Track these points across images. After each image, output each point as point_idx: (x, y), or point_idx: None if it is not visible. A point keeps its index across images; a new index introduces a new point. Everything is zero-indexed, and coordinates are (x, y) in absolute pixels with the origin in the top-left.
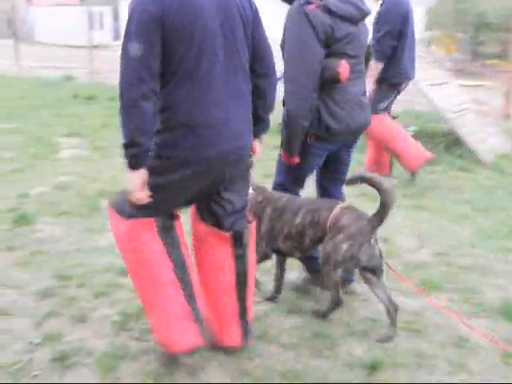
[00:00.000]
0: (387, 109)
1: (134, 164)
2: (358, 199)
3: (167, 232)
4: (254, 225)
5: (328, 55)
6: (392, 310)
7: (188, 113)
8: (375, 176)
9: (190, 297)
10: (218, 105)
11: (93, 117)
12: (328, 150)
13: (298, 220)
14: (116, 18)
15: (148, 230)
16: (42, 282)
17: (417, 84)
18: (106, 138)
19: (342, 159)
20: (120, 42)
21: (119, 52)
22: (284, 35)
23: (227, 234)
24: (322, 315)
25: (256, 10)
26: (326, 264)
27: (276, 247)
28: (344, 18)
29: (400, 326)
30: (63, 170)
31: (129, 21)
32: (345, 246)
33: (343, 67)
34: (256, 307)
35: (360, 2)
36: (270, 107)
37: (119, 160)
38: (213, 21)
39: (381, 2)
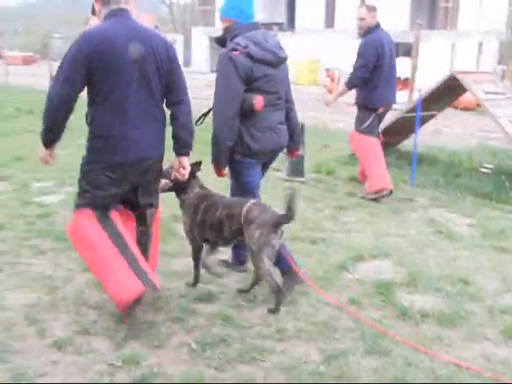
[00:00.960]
0: (370, 130)
1: (45, 145)
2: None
3: (103, 216)
4: (159, 213)
5: (249, 90)
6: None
7: (105, 127)
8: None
9: (131, 261)
10: (128, 123)
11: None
12: (255, 165)
13: (218, 213)
14: (187, 45)
15: (89, 216)
16: None
17: (496, 119)
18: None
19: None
20: (190, 68)
21: (190, 79)
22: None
23: (133, 214)
24: (275, 309)
25: (173, 54)
26: (252, 255)
27: (205, 237)
28: (263, 62)
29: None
30: None
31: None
32: (257, 233)
33: (257, 100)
34: (333, 345)
35: (278, 50)
36: (185, 129)
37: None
38: (129, 62)
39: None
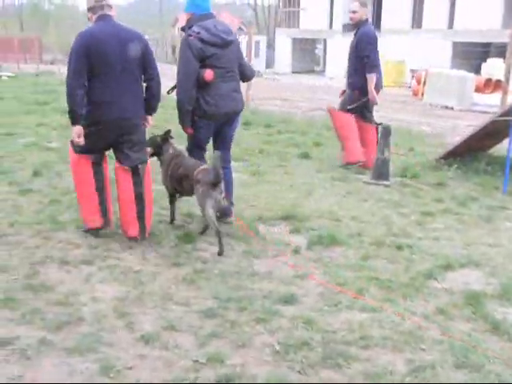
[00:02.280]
0: (356, 111)
1: (73, 122)
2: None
3: (97, 165)
4: (148, 166)
5: (202, 66)
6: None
7: (97, 96)
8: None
9: (101, 202)
10: (113, 93)
11: (250, 142)
12: (211, 125)
13: (179, 171)
14: (270, 46)
15: (85, 163)
16: (205, 302)
17: None
18: (263, 163)
19: (225, 134)
20: (273, 69)
21: (271, 80)
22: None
23: (128, 169)
24: (220, 251)
25: (145, 45)
26: (200, 206)
27: (174, 187)
28: (211, 44)
29: None
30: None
31: (72, 50)
32: (200, 190)
33: (207, 73)
34: (420, 356)
35: (225, 34)
36: (154, 97)
37: (277, 187)
38: (113, 52)
39: (355, 31)
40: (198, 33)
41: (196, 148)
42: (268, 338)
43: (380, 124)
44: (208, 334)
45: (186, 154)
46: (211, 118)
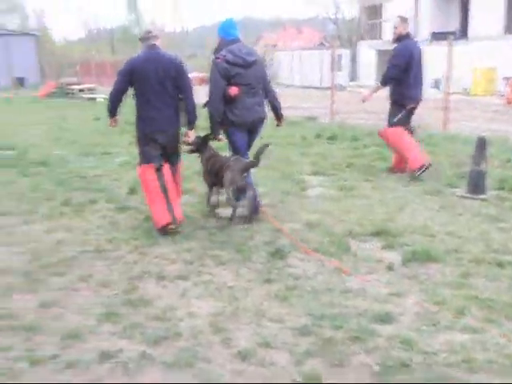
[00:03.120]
0: (401, 123)
1: (111, 116)
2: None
3: (158, 171)
4: (180, 165)
5: (229, 84)
6: (253, 210)
7: (142, 112)
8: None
9: (167, 201)
10: (152, 109)
11: (336, 156)
12: (238, 132)
13: (216, 166)
14: (354, 59)
15: (150, 171)
16: (299, 319)
17: None
18: (350, 177)
19: (249, 139)
20: (356, 82)
21: (355, 93)
22: None
23: (172, 167)
24: (230, 219)
25: (179, 68)
26: (225, 186)
27: (212, 181)
28: (235, 65)
29: None
30: (312, 207)
31: (118, 72)
32: (229, 175)
33: (232, 90)
34: None
35: (248, 55)
36: (190, 113)
37: (365, 202)
38: (152, 74)
39: (395, 45)
40: (225, 56)
41: (236, 153)
42: (365, 357)
43: (414, 128)
44: (303, 352)
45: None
46: (238, 127)
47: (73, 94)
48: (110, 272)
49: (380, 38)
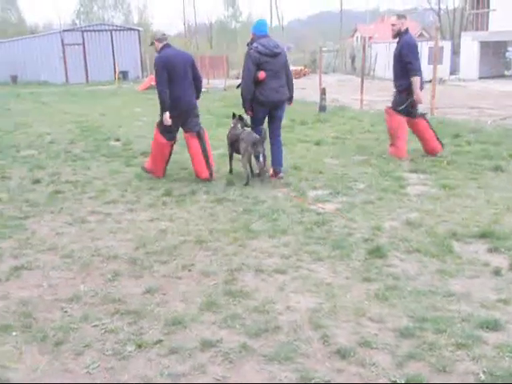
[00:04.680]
0: (408, 110)
1: (164, 110)
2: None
3: (171, 147)
4: (205, 131)
5: (258, 69)
6: (263, 169)
7: (173, 93)
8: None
9: (206, 160)
10: (181, 91)
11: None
12: (265, 109)
13: (232, 137)
14: (454, 52)
15: (167, 146)
16: (400, 320)
17: None
18: (453, 176)
19: (275, 115)
20: (457, 75)
21: (455, 87)
22: None
23: (195, 134)
24: (246, 183)
25: (192, 61)
26: (241, 155)
27: (231, 149)
28: (265, 55)
29: None
30: (412, 205)
31: (157, 67)
32: (243, 145)
33: (260, 74)
34: None
35: (275, 48)
36: (199, 92)
37: (470, 201)
38: (180, 66)
39: (397, 39)
40: (256, 47)
41: (256, 125)
42: (471, 365)
43: (425, 114)
44: (405, 355)
45: (241, 129)
46: (264, 105)
47: None
48: (210, 262)
49: (485, 29)
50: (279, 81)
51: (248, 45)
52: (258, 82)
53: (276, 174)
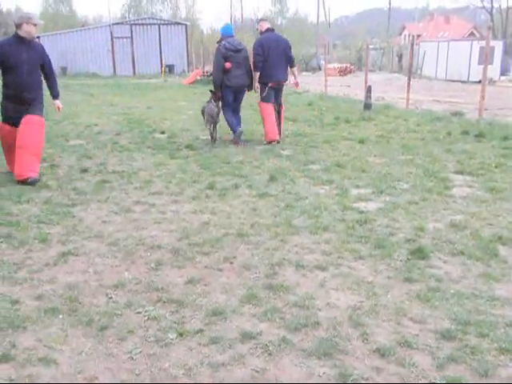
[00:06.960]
0: (270, 98)
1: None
2: None
3: (272, 106)
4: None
5: (225, 61)
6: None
7: (230, 73)
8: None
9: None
10: (235, 72)
11: (484, 155)
12: (230, 92)
13: (202, 109)
14: (507, 52)
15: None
16: (441, 322)
17: None
18: (500, 179)
19: (237, 97)
20: (507, 77)
21: (506, 88)
22: None
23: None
24: (212, 141)
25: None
26: (205, 120)
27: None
28: (230, 50)
29: None
30: (457, 207)
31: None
32: (206, 115)
33: (227, 64)
34: None
35: (238, 45)
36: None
37: None
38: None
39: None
40: (224, 44)
41: (225, 105)
42: None
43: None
44: (446, 357)
45: (213, 104)
46: (230, 88)
47: None
48: (252, 256)
49: None
50: (241, 70)
51: (217, 43)
52: (225, 71)
53: (236, 142)
